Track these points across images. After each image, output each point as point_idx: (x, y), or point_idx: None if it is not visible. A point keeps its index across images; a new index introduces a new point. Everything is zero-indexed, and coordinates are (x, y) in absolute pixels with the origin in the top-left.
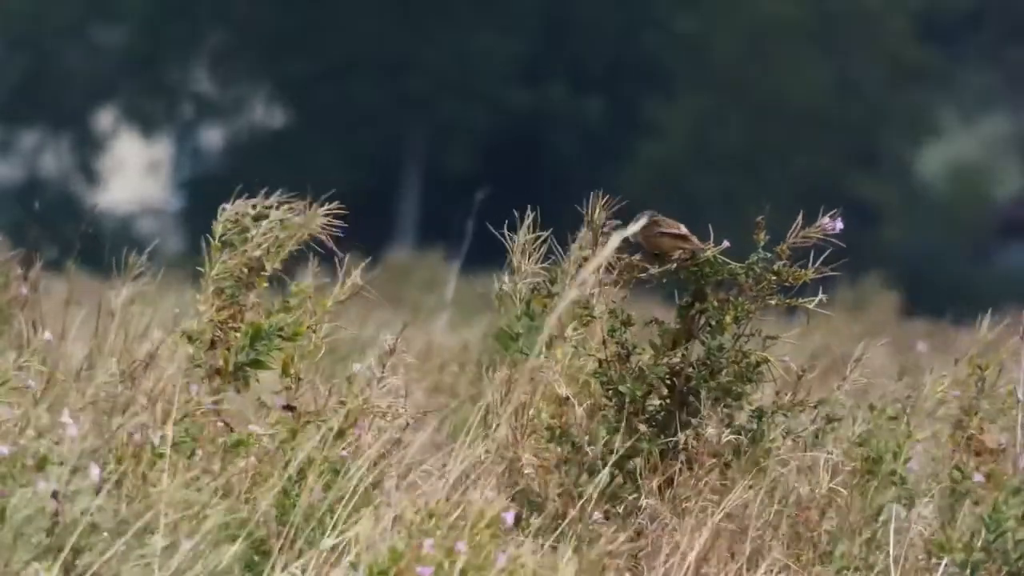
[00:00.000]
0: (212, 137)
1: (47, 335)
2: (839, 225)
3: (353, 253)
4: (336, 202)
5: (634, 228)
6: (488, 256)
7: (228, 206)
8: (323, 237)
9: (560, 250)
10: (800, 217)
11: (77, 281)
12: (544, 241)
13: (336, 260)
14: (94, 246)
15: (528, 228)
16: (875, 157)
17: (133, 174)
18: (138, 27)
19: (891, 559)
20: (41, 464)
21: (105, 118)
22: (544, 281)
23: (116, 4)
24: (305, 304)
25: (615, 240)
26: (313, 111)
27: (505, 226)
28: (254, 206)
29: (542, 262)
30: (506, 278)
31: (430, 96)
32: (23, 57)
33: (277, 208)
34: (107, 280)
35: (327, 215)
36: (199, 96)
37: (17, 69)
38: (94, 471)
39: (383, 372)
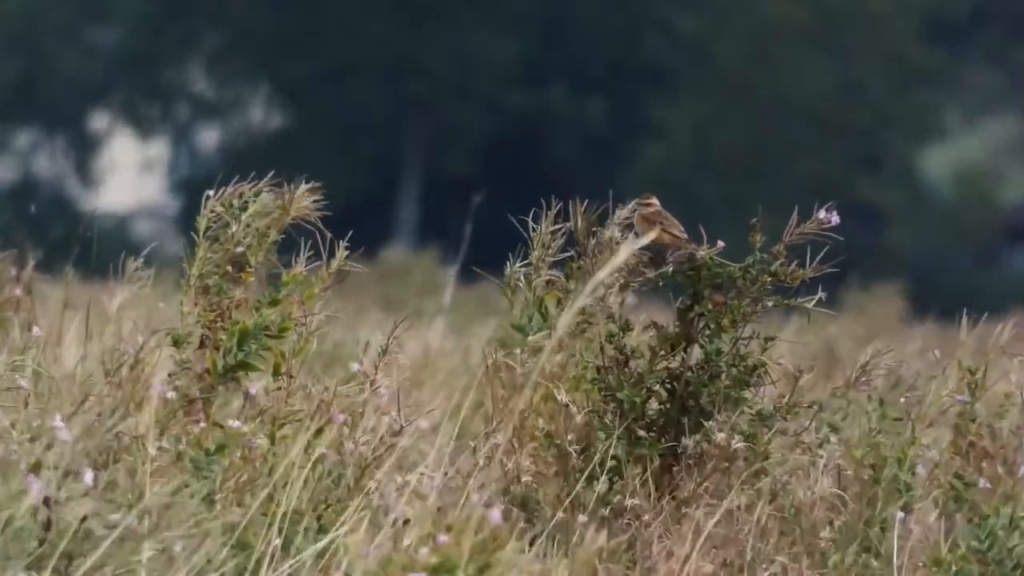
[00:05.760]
0: (209, 138)
1: (37, 331)
2: (835, 218)
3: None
4: (323, 191)
5: (646, 240)
6: (486, 259)
7: (211, 194)
8: (312, 219)
9: (574, 248)
10: (795, 213)
11: (74, 284)
12: (563, 234)
13: (324, 247)
14: (90, 249)
15: (548, 221)
16: (879, 160)
17: (128, 175)
18: (134, 28)
19: (894, 566)
20: (35, 468)
21: (100, 119)
22: (561, 277)
23: (112, 5)
24: (292, 296)
25: (628, 248)
26: (312, 113)
27: (530, 216)
28: (240, 195)
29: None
30: (518, 268)
31: (430, 98)
32: (18, 58)
33: (259, 195)
34: (104, 283)
35: (312, 198)
36: (195, 97)
37: (12, 70)
38: (87, 476)
39: (376, 374)
